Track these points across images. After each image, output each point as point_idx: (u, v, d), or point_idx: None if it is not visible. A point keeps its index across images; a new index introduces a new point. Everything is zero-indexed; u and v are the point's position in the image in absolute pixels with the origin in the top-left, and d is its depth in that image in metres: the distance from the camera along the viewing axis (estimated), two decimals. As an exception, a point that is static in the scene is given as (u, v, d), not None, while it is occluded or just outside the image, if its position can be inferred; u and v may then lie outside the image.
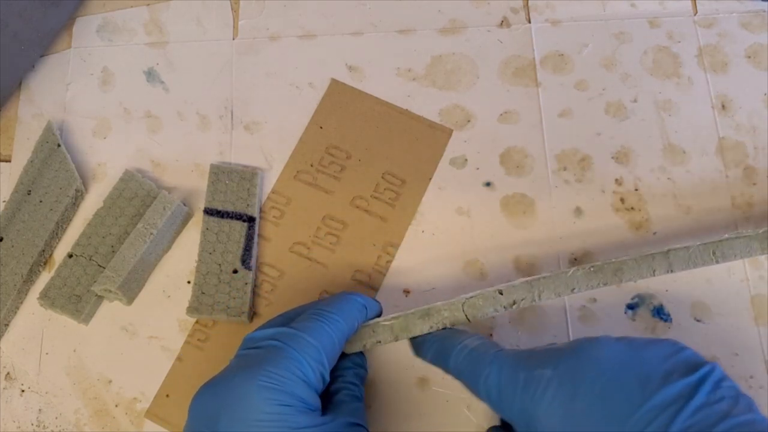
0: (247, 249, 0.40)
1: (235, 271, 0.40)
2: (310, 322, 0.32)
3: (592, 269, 0.34)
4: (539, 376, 0.29)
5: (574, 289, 0.34)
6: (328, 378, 0.32)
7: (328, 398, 0.33)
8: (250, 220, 0.41)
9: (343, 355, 0.35)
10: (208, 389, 0.31)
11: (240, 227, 0.41)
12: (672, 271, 0.34)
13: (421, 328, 0.34)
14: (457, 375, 0.33)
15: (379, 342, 0.35)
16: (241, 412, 0.29)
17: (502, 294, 0.34)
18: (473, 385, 0.32)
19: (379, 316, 0.36)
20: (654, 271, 0.34)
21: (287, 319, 0.34)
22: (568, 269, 0.35)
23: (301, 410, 0.30)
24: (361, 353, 0.36)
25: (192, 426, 0.31)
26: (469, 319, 0.34)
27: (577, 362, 0.29)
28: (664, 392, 0.27)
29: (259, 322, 0.40)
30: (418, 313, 0.35)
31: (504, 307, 0.34)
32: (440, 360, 0.33)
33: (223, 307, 0.39)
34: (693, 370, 0.27)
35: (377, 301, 0.36)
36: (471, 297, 0.34)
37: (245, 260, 0.40)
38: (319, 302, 0.35)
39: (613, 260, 0.35)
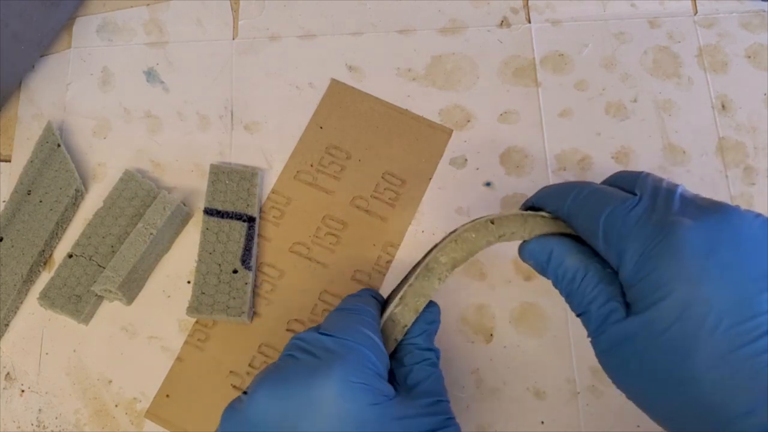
0: (247, 249, 0.40)
1: (235, 271, 0.40)
2: (342, 321, 0.32)
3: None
4: (678, 222, 0.28)
5: (564, 232, 0.33)
6: (388, 360, 0.31)
7: (402, 375, 0.32)
8: (250, 220, 0.41)
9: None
10: (277, 390, 0.29)
11: (240, 227, 0.41)
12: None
13: (432, 285, 0.33)
14: (574, 213, 0.31)
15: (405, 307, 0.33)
16: (328, 415, 0.28)
17: (493, 224, 0.33)
18: (585, 220, 0.31)
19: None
20: None
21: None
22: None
23: (384, 403, 0.29)
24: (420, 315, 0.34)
25: (260, 426, 0.29)
26: (465, 257, 0.33)
27: (721, 224, 0.28)
28: None
29: (259, 322, 0.40)
30: (421, 274, 0.33)
31: (497, 238, 0.33)
32: (557, 205, 0.32)
33: (223, 307, 0.39)
34: None
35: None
36: (464, 231, 0.33)
37: (245, 260, 0.40)
38: (339, 305, 0.34)
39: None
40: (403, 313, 0.33)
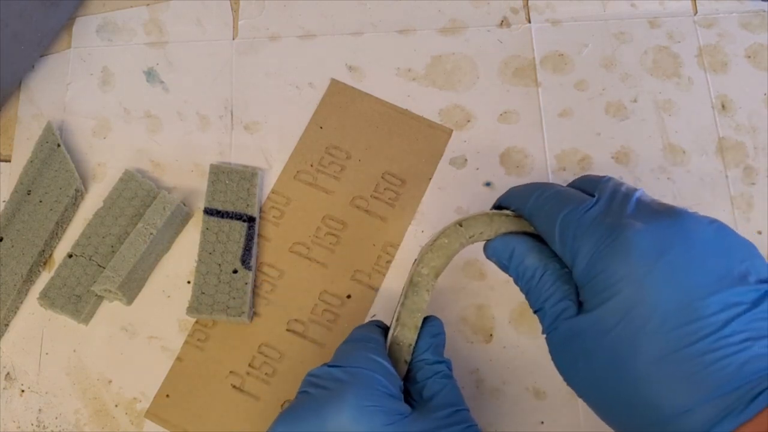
0: (247, 249, 0.40)
1: (235, 271, 0.40)
2: (348, 351, 0.32)
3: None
4: (628, 224, 0.29)
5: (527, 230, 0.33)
6: (400, 381, 0.32)
7: (418, 391, 0.32)
8: (250, 220, 0.41)
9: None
10: (292, 427, 0.30)
11: (240, 227, 0.41)
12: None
13: (422, 298, 0.33)
14: (534, 213, 0.32)
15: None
16: None
17: (462, 226, 0.34)
18: (543, 220, 0.31)
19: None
20: None
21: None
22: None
23: (399, 421, 0.30)
24: (425, 322, 0.34)
25: None
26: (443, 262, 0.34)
27: (672, 227, 0.29)
28: (737, 290, 0.27)
29: (259, 322, 0.40)
30: (409, 291, 0.34)
31: (468, 239, 0.34)
32: (520, 205, 0.33)
33: (223, 307, 0.39)
34: (764, 282, 0.28)
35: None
36: (437, 238, 0.34)
37: (245, 260, 0.40)
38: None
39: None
40: (404, 333, 0.34)
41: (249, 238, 0.41)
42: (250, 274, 0.40)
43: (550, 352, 0.31)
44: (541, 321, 0.31)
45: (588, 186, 0.32)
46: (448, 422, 0.31)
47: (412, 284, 0.34)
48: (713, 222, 0.29)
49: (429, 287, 0.34)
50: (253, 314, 0.40)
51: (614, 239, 0.29)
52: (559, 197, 0.32)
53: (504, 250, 0.33)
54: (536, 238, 0.33)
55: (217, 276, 0.40)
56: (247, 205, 0.41)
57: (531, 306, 0.32)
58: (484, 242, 0.34)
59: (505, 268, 0.33)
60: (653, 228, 0.29)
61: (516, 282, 0.33)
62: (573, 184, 0.34)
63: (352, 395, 0.29)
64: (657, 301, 0.27)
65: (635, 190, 0.31)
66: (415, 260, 0.34)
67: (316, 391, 0.31)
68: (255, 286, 0.41)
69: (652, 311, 0.27)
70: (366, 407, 0.29)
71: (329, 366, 0.32)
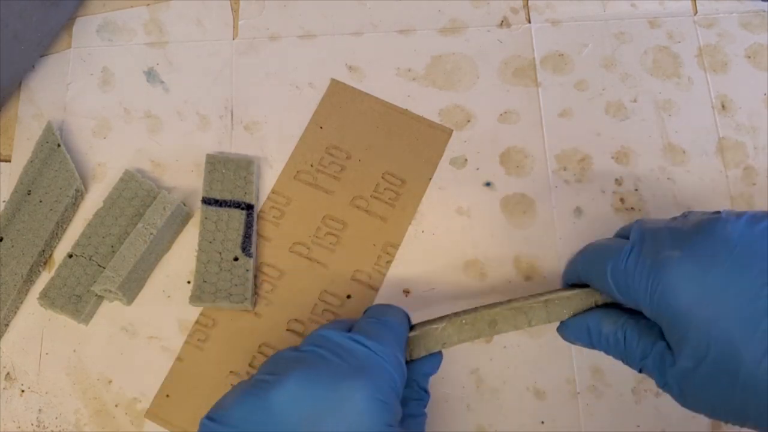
0: (247, 236, 0.40)
1: (236, 259, 0.40)
2: (376, 333, 0.32)
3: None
4: (668, 257, 0.29)
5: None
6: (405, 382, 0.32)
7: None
8: (249, 207, 0.41)
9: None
10: (309, 384, 0.29)
11: (239, 215, 0.41)
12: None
13: (466, 335, 0.34)
14: (583, 275, 0.34)
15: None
16: (351, 424, 0.29)
17: (546, 305, 0.34)
18: (598, 280, 0.32)
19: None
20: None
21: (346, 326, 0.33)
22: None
23: (396, 427, 0.30)
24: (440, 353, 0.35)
25: (284, 414, 0.29)
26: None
27: (706, 241, 0.29)
28: None
29: (259, 322, 0.40)
30: (474, 316, 0.34)
31: (528, 323, 0.35)
32: (572, 274, 0.35)
33: (225, 294, 0.39)
34: None
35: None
36: (521, 303, 0.34)
37: (245, 247, 0.40)
38: (373, 313, 0.34)
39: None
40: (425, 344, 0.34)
41: (248, 226, 0.41)
42: (251, 261, 0.40)
43: (674, 398, 0.31)
44: (652, 378, 0.32)
45: (626, 232, 0.34)
46: None
47: (475, 320, 0.34)
48: (740, 216, 0.30)
49: (478, 334, 0.34)
50: (256, 300, 0.40)
51: (660, 279, 0.29)
52: (599, 253, 0.33)
53: (580, 332, 0.34)
54: (601, 305, 0.34)
55: (218, 264, 0.40)
56: (245, 193, 0.42)
57: (634, 369, 0.32)
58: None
59: (591, 347, 0.34)
60: (690, 251, 0.29)
61: (609, 354, 0.33)
62: (618, 233, 0.35)
63: (371, 383, 0.29)
64: (724, 313, 0.28)
65: (662, 221, 0.32)
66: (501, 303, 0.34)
67: (333, 358, 0.30)
68: (255, 286, 0.41)
69: (727, 324, 0.28)
70: (378, 400, 0.29)
71: (354, 340, 0.31)
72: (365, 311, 0.36)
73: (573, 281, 0.36)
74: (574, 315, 0.34)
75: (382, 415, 0.29)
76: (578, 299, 0.34)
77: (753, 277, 0.28)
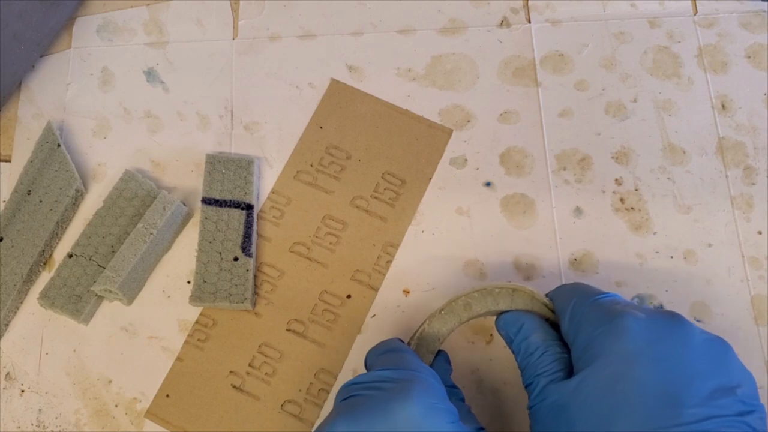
0: (247, 236, 0.40)
1: (236, 259, 0.40)
2: (393, 359, 0.33)
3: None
4: (631, 312, 0.31)
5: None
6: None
7: None
8: (248, 207, 0.41)
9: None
10: (357, 418, 0.29)
11: (239, 215, 0.41)
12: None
13: (449, 324, 0.36)
14: (557, 295, 0.35)
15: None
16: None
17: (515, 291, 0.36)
18: (564, 301, 0.34)
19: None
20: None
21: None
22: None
23: (457, 422, 0.30)
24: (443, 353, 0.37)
25: None
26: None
27: (670, 326, 0.30)
28: (723, 401, 0.28)
29: (259, 322, 0.40)
30: (444, 308, 0.36)
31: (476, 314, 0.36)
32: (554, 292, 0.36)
33: (225, 294, 0.39)
34: (753, 401, 0.29)
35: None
36: (491, 289, 0.36)
37: (245, 247, 0.40)
38: (375, 353, 0.35)
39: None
40: (445, 319, 0.36)
41: (248, 226, 0.41)
42: (251, 261, 0.40)
43: (531, 425, 0.32)
44: (530, 395, 0.33)
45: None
46: None
47: (451, 306, 0.35)
48: (704, 332, 0.31)
49: (459, 319, 0.35)
50: (256, 300, 0.40)
51: (613, 321, 0.31)
52: (582, 287, 0.34)
53: (514, 324, 0.35)
54: (548, 321, 0.35)
55: (218, 264, 0.40)
56: (245, 193, 0.42)
57: (523, 381, 0.34)
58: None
59: (509, 341, 0.35)
60: (652, 320, 0.31)
61: (516, 356, 0.34)
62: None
63: (418, 393, 0.30)
64: (644, 380, 0.29)
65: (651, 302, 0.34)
66: (460, 297, 0.36)
67: (374, 392, 0.31)
68: (255, 286, 0.41)
69: (637, 388, 0.29)
70: (433, 404, 0.30)
71: (381, 370, 0.32)
72: (365, 362, 0.35)
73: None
74: (525, 310, 0.35)
75: (441, 415, 0.30)
76: (540, 304, 0.35)
77: (688, 378, 0.28)
